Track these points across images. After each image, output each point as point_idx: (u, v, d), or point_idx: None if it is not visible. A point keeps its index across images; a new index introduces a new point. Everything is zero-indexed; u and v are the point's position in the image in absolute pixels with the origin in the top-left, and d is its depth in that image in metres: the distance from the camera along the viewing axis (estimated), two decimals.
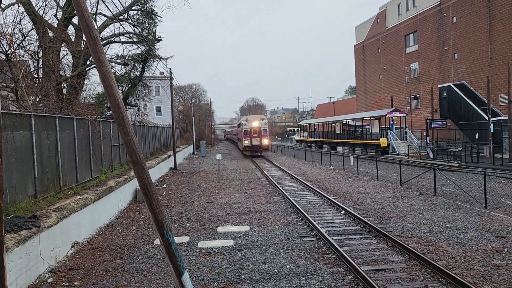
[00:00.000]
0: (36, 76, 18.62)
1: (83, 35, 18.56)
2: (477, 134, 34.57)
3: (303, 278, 8.50)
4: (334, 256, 9.88)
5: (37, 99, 16.17)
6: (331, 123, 57.87)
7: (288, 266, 9.24)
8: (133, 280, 8.83)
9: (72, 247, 11.02)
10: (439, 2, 45.29)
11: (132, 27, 24.81)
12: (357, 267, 8.56)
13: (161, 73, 53.64)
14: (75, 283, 8.74)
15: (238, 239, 11.74)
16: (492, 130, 31.70)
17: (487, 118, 32.28)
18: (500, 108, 36.35)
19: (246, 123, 45.07)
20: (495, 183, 20.73)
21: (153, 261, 10.05)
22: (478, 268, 8.75)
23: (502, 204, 15.61)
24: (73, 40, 22.17)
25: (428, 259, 8.97)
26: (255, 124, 44.76)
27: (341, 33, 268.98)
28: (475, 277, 8.25)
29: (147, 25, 26.17)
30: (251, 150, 44.88)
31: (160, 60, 27.68)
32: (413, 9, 51.61)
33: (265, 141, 44.73)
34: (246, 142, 44.67)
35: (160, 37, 26.74)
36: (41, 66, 18.67)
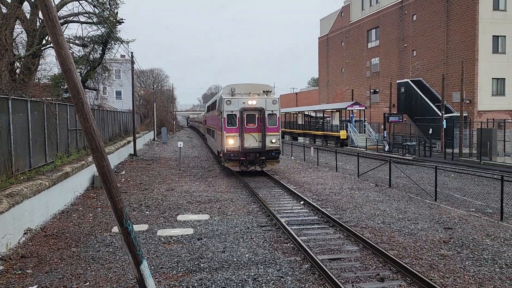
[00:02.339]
0: None
1: (39, 13, 17.65)
2: (431, 129, 36.10)
3: (262, 267, 8.66)
4: (292, 245, 10.11)
5: None
6: (293, 114, 58.54)
7: (247, 255, 9.38)
8: (89, 268, 8.67)
9: (24, 234, 10.65)
10: (400, 0, 46.53)
11: (92, 7, 23.87)
12: (314, 256, 8.82)
13: (122, 56, 52.07)
14: (27, 271, 8.48)
15: (198, 227, 11.76)
16: (444, 126, 33.26)
17: (440, 114, 33.79)
18: (453, 105, 38.07)
19: (232, 99, 21.40)
20: (445, 176, 21.82)
21: (111, 249, 9.89)
22: (426, 257, 9.24)
23: (451, 197, 16.48)
24: (28, 18, 21.05)
25: (380, 248, 9.38)
26: (252, 102, 21.42)
27: (308, 24, 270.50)
28: (423, 266, 8.71)
29: (108, 6, 25.26)
30: (241, 161, 21.40)
31: (122, 43, 26.84)
32: (376, 4, 52.75)
33: (273, 140, 21.49)
34: (231, 141, 21.32)
35: (121, 19, 25.87)
36: None
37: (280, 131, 21.89)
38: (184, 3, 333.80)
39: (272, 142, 21.44)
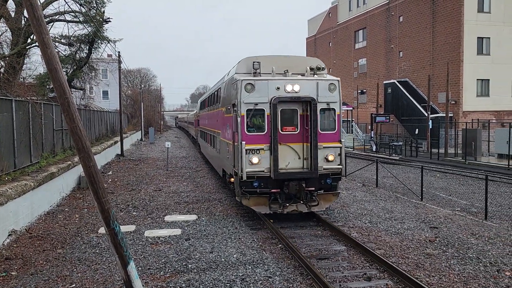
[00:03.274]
0: None
1: (25, 12, 17.36)
2: (417, 130, 36.53)
3: (250, 267, 8.67)
4: (280, 246, 10.14)
5: None
6: None
7: (235, 256, 9.37)
8: (75, 270, 8.58)
9: (9, 235, 10.48)
10: (387, 1, 46.96)
11: (79, 5, 23.60)
12: (302, 256, 8.85)
13: (109, 55, 51.60)
14: (12, 273, 8.35)
15: (186, 228, 11.71)
16: (430, 126, 33.68)
17: (426, 114, 34.20)
18: (439, 105, 38.57)
19: (256, 82, 11.68)
20: (431, 176, 22.08)
21: (97, 250, 9.80)
22: (412, 256, 9.35)
23: (437, 196, 16.70)
24: (13, 16, 20.72)
25: (367, 248, 9.47)
26: (292, 87, 11.75)
27: (299, 24, 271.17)
28: (410, 265, 8.81)
29: (95, 5, 25.01)
30: (273, 196, 11.91)
31: (109, 42, 26.59)
32: (363, 6, 53.16)
33: (330, 157, 12.06)
34: (255, 159, 11.56)
35: (108, 18, 25.62)
36: None
37: (341, 139, 12.65)
38: (173, 3, 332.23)
39: (328, 161, 12.13)
